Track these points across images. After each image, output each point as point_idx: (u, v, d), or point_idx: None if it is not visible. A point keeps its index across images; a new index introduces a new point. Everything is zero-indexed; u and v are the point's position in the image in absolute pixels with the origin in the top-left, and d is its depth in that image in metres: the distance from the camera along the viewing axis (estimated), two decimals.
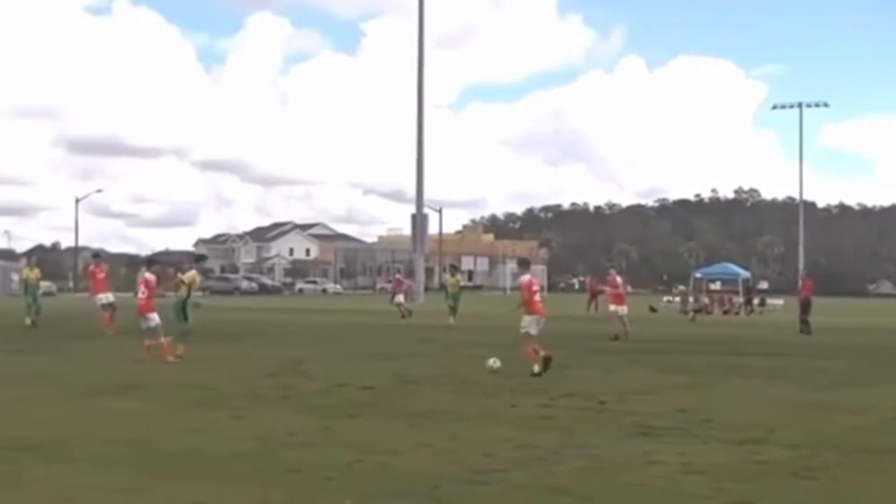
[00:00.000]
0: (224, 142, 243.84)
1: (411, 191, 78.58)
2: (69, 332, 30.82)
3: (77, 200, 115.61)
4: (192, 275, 23.65)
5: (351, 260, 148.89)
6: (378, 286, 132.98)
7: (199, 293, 23.56)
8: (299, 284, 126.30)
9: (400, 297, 48.68)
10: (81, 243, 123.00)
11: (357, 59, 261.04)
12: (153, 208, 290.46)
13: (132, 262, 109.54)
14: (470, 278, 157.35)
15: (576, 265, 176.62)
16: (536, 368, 19.66)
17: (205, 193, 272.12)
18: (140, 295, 23.18)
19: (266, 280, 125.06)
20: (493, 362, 20.40)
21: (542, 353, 19.84)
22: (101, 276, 33.60)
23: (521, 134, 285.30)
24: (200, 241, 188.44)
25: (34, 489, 9.14)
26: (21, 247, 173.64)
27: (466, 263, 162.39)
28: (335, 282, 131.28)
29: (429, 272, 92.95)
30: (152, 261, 26.08)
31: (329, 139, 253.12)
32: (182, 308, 23.05)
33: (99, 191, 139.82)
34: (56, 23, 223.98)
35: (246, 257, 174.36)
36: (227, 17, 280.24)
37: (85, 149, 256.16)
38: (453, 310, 40.45)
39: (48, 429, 12.63)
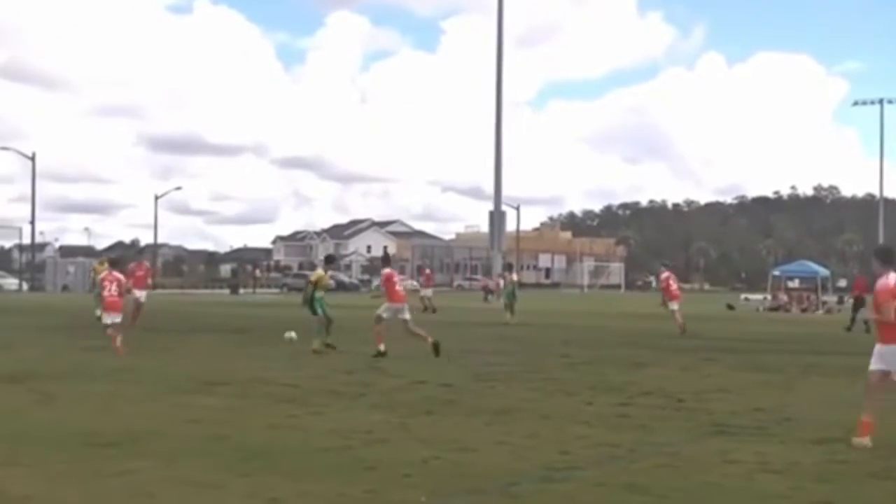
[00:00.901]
0: (303, 139, 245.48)
1: (489, 188, 78.45)
2: (149, 329, 31.11)
3: (157, 198, 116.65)
4: (318, 273, 25.31)
5: (428, 257, 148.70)
6: (455, 283, 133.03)
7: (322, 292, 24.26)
8: (376, 282, 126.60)
9: (428, 292, 49.54)
10: (160, 240, 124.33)
11: (436, 57, 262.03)
12: (232, 206, 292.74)
13: (211, 260, 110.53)
14: (547, 276, 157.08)
15: (653, 263, 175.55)
16: (382, 348, 22.67)
17: (283, 191, 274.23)
18: (111, 293, 23.59)
19: (343, 277, 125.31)
20: (290, 335, 25.41)
21: (430, 339, 23.12)
22: (141, 273, 34.16)
23: (599, 131, 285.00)
24: (279, 239, 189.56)
25: (115, 484, 9.28)
26: (101, 244, 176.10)
27: (544, 261, 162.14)
28: (413, 279, 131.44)
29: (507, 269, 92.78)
30: (116, 261, 27.17)
31: (408, 137, 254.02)
32: (311, 303, 24.39)
33: (178, 188, 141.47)
34: (138, 22, 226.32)
35: (323, 254, 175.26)
36: (306, 15, 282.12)
37: (165, 147, 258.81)
38: (509, 307, 40.46)
39: (130, 424, 12.79)
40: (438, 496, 9.01)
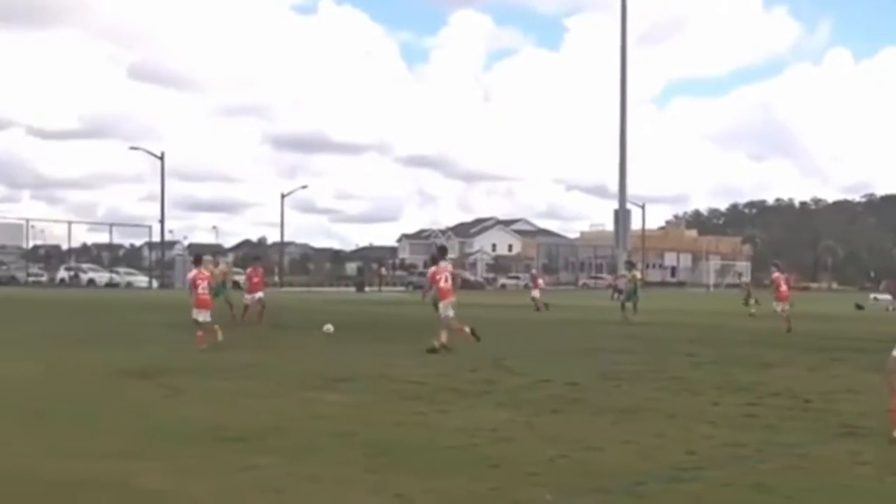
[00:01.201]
0: (427, 138, 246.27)
1: (614, 186, 78.02)
2: (276, 326, 31.47)
3: (283, 196, 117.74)
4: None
5: (553, 256, 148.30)
6: (580, 282, 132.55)
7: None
8: (501, 280, 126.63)
9: (535, 293, 49.86)
10: (287, 238, 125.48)
11: (559, 55, 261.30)
12: (357, 204, 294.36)
13: (336, 258, 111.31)
14: (673, 274, 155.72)
15: (780, 262, 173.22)
16: (438, 343, 23.02)
17: (408, 189, 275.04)
18: (200, 291, 24.71)
19: (468, 275, 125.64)
20: (328, 328, 26.59)
21: (466, 328, 24.04)
22: (257, 280, 34.95)
23: (725, 129, 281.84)
24: (403, 237, 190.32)
25: (244, 478, 9.39)
26: (229, 242, 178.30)
27: (669, 260, 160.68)
28: (539, 278, 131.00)
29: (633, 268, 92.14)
30: (199, 259, 27.49)
31: (532, 135, 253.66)
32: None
33: (304, 187, 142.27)
34: (264, 23, 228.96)
35: (449, 253, 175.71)
36: (430, 15, 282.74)
37: (291, 146, 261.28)
38: (632, 305, 40.27)
39: (257, 420, 12.94)
40: (564, 495, 8.98)
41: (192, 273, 26.05)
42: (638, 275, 43.54)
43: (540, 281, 54.49)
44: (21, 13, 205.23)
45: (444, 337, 23.41)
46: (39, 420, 12.85)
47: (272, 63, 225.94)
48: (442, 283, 24.31)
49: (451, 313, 23.96)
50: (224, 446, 11.00)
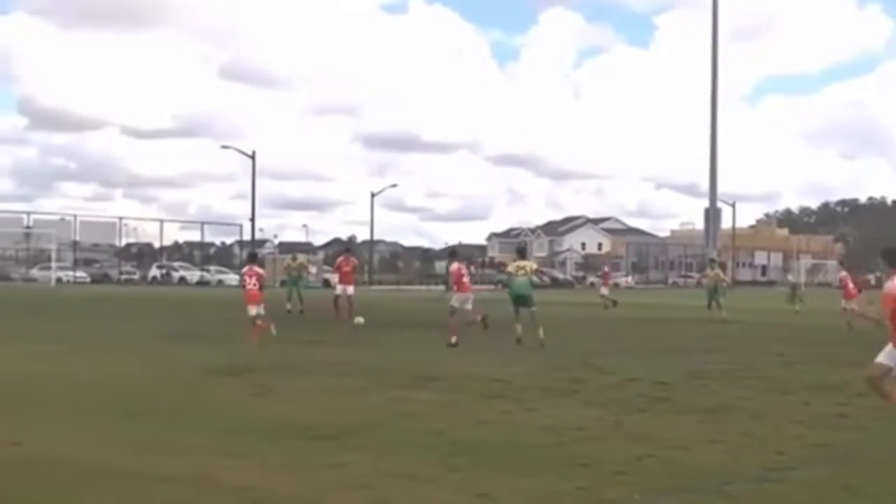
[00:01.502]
0: (517, 136, 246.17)
1: (704, 184, 77.20)
2: (365, 324, 31.60)
3: (373, 195, 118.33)
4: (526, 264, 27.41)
5: (643, 254, 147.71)
6: (670, 281, 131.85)
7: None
8: (591, 278, 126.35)
9: (604, 290, 50.21)
10: (376, 237, 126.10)
11: (650, 53, 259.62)
12: (447, 203, 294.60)
13: (426, 256, 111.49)
14: (763, 273, 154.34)
15: (873, 261, 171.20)
16: (454, 340, 24.12)
17: (498, 188, 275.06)
18: (251, 286, 25.64)
19: (558, 273, 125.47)
20: (359, 320, 28.08)
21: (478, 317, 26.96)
22: (347, 269, 35.34)
23: (816, 126, 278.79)
24: (493, 235, 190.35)
25: (332, 476, 9.43)
26: (319, 240, 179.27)
27: (760, 258, 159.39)
28: (627, 276, 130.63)
29: (721, 267, 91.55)
30: (254, 256, 29.29)
31: (622, 133, 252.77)
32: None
33: (394, 186, 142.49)
34: (354, 22, 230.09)
35: (538, 251, 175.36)
36: (521, 13, 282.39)
37: (381, 144, 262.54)
38: (716, 303, 40.18)
39: (345, 417, 13.00)
40: (651, 494, 8.94)
41: (245, 269, 27.40)
42: (720, 273, 43.33)
43: (609, 279, 54.53)
44: (117, 15, 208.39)
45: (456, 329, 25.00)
46: (130, 416, 12.98)
47: (363, 62, 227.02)
48: (464, 280, 27.05)
49: (468, 307, 26.39)
50: (312, 443, 11.07)
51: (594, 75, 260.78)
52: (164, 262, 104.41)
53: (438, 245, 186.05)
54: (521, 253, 29.16)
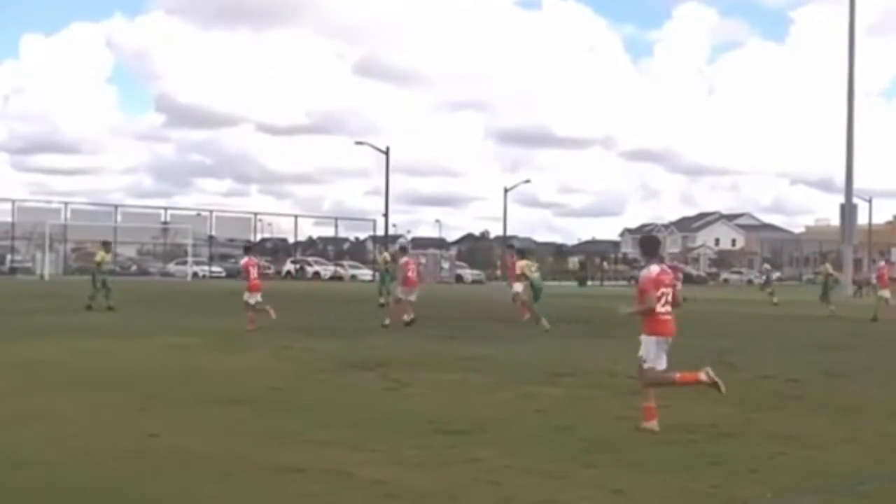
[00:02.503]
0: (650, 132, 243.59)
1: (840, 180, 76.19)
2: (500, 320, 31.72)
3: (506, 191, 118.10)
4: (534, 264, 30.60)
5: (777, 250, 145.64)
6: (804, 277, 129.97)
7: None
8: (724, 274, 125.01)
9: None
10: (509, 232, 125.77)
11: (785, 47, 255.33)
12: (580, 198, 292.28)
13: (559, 252, 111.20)
14: None
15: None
16: (407, 318, 29.25)
17: (631, 183, 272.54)
18: (253, 277, 28.25)
19: (691, 270, 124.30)
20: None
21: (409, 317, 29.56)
22: (411, 273, 36.08)
23: None
24: (626, 231, 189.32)
25: (464, 471, 9.52)
26: (452, 236, 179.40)
27: None
28: (760, 272, 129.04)
29: (857, 264, 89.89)
30: (248, 248, 33.17)
31: (756, 128, 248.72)
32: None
33: (527, 181, 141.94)
34: (488, 18, 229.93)
35: (671, 247, 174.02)
36: (654, 8, 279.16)
37: (514, 140, 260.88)
38: (825, 298, 40.21)
39: (477, 412, 13.07)
40: (784, 493, 8.89)
41: (245, 260, 30.16)
42: (829, 269, 43.12)
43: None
44: (252, 13, 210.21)
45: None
46: (264, 409, 13.21)
47: (496, 58, 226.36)
48: (410, 274, 31.14)
49: (412, 298, 30.58)
50: (444, 438, 11.16)
51: (729, 70, 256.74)
52: (299, 257, 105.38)
53: (572, 241, 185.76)
54: (522, 253, 32.79)
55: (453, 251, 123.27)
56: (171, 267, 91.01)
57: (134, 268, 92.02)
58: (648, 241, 13.53)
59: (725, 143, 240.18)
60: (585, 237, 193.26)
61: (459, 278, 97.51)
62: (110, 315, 31.73)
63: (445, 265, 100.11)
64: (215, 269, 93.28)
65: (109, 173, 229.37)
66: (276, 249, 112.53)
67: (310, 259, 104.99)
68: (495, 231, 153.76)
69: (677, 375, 12.60)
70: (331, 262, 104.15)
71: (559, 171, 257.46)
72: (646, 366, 12.38)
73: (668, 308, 12.40)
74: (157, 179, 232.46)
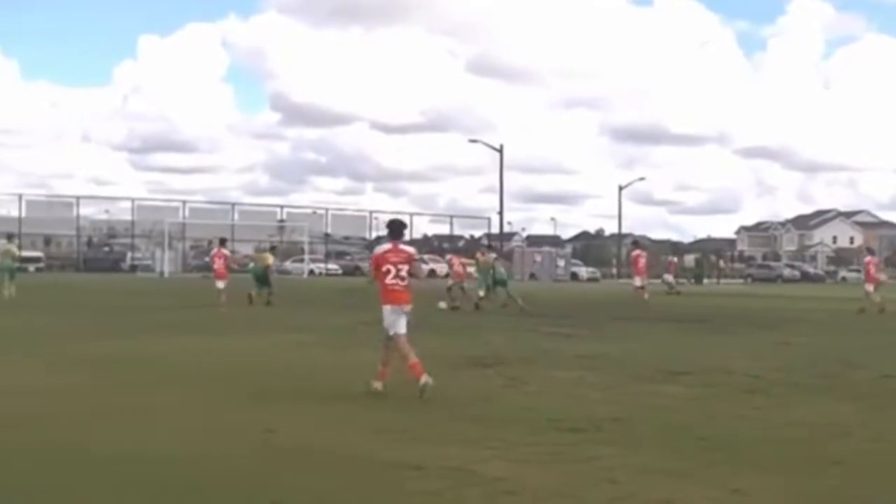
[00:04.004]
0: (766, 129, 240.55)
1: None
2: (614, 318, 31.63)
3: (620, 188, 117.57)
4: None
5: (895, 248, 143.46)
6: None
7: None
8: (842, 273, 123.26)
9: (669, 277, 50.78)
10: (624, 230, 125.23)
11: None
12: (695, 196, 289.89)
13: (675, 250, 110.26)
14: None
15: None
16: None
17: (746, 181, 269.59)
18: (218, 266, 35.42)
19: (808, 268, 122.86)
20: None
21: None
22: (458, 268, 38.79)
23: None
24: (742, 229, 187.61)
25: (582, 469, 9.47)
26: (567, 233, 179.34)
27: None
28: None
29: None
30: (223, 241, 39.31)
31: (874, 123, 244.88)
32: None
33: (642, 179, 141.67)
34: (601, 15, 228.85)
35: (788, 245, 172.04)
36: (768, 3, 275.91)
37: (629, 137, 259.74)
38: None
39: (594, 410, 12.98)
40: None
41: (214, 251, 37.54)
42: None
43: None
44: (365, 11, 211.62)
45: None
46: (381, 405, 13.30)
47: (610, 55, 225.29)
48: (457, 268, 35.95)
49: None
50: (562, 436, 11.12)
51: (845, 65, 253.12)
52: (446, 258, 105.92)
53: (687, 238, 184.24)
54: (490, 248, 36.42)
55: (568, 249, 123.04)
56: (288, 265, 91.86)
57: (251, 265, 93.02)
58: (392, 223, 15.30)
59: (842, 138, 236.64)
60: (701, 235, 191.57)
61: (574, 276, 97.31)
62: (233, 311, 32.09)
63: (561, 263, 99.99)
64: (331, 266, 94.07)
65: (226, 172, 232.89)
66: None
67: (425, 256, 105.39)
68: (610, 229, 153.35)
69: (413, 359, 14.10)
70: (445, 259, 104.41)
71: (674, 169, 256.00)
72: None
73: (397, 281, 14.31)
74: (273, 178, 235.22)
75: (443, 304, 35.29)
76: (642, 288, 41.13)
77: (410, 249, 15.00)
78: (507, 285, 38.06)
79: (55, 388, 14.56)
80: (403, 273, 14.33)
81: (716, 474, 9.31)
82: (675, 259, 61.40)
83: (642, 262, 41.60)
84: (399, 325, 14.25)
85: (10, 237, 42.85)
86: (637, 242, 45.52)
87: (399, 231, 15.15)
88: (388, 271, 14.25)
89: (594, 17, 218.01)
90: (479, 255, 39.25)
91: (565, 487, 8.78)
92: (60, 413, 12.39)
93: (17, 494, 8.44)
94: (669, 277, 52.28)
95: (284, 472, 9.20)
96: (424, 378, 13.65)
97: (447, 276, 42.86)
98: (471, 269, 37.30)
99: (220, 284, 34.37)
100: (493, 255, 40.05)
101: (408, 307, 14.40)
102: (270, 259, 42.21)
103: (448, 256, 34.18)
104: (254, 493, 8.50)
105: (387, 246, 14.65)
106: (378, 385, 14.19)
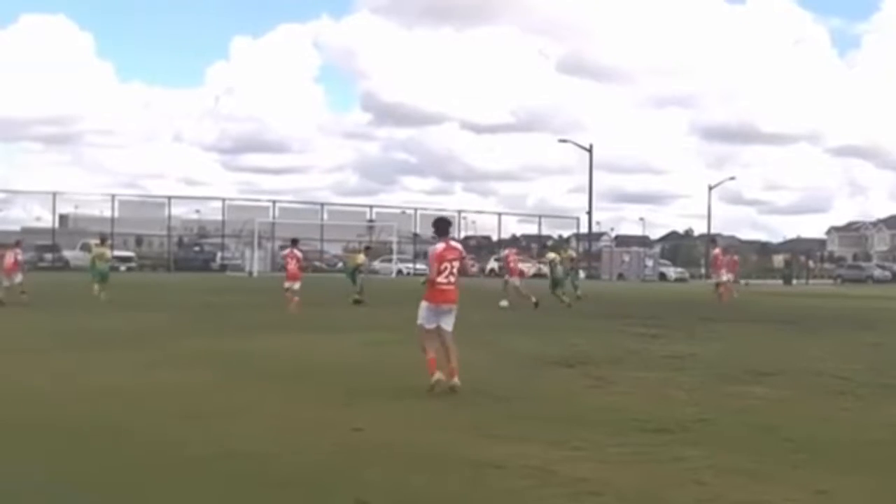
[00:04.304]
0: (858, 127, 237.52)
1: None
2: (702, 318, 31.49)
3: (710, 188, 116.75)
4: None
5: None
6: None
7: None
8: None
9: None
10: (713, 230, 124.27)
11: None
12: (785, 195, 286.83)
13: (764, 250, 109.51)
14: None
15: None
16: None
17: (838, 180, 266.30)
18: (289, 266, 34.58)
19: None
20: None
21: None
22: (512, 264, 38.53)
23: None
24: (832, 229, 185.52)
25: (668, 470, 9.45)
26: (655, 234, 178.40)
27: None
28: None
29: None
30: (296, 241, 38.06)
31: None
32: None
33: (732, 178, 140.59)
34: (691, 13, 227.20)
35: (879, 245, 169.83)
36: (861, 0, 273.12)
37: (718, 137, 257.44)
38: None
39: (681, 411, 12.94)
40: None
41: (286, 252, 36.93)
42: None
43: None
44: (456, 11, 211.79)
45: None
46: (465, 404, 13.31)
47: (700, 53, 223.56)
48: (512, 265, 36.18)
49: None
50: (648, 437, 11.10)
51: None
52: (502, 254, 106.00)
53: (777, 239, 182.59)
54: (546, 248, 35.70)
55: (657, 249, 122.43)
56: (377, 264, 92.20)
57: (340, 265, 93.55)
58: (439, 221, 15.77)
59: None
60: (790, 235, 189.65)
61: (663, 276, 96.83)
62: (319, 310, 32.27)
63: (649, 263, 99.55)
64: (420, 266, 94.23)
65: (316, 171, 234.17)
66: (480, 247, 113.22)
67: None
68: (699, 229, 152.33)
69: (431, 354, 14.55)
70: (534, 259, 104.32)
71: (764, 168, 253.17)
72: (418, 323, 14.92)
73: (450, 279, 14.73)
74: (363, 177, 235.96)
75: (504, 303, 35.39)
76: (722, 285, 41.34)
77: (460, 247, 15.41)
78: (562, 285, 38.76)
79: (153, 386, 14.77)
80: (455, 271, 14.76)
81: (802, 476, 9.23)
82: (737, 257, 60.41)
83: (722, 260, 41.71)
84: (446, 321, 14.71)
85: (102, 240, 43.41)
86: (715, 241, 45.58)
87: (447, 229, 15.58)
88: (444, 269, 14.64)
89: (686, 15, 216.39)
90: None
91: (650, 488, 8.77)
92: (153, 411, 12.57)
93: (112, 491, 8.58)
94: (729, 276, 51.42)
95: (369, 470, 9.25)
96: (437, 375, 14.26)
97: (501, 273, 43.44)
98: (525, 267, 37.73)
99: (294, 286, 33.79)
100: (552, 255, 40.23)
101: (455, 306, 14.83)
102: (361, 258, 41.80)
103: (504, 252, 34.59)
104: (337, 490, 8.57)
105: (441, 245, 14.94)
106: (438, 375, 14.33)
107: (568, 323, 28.82)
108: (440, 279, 14.58)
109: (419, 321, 14.75)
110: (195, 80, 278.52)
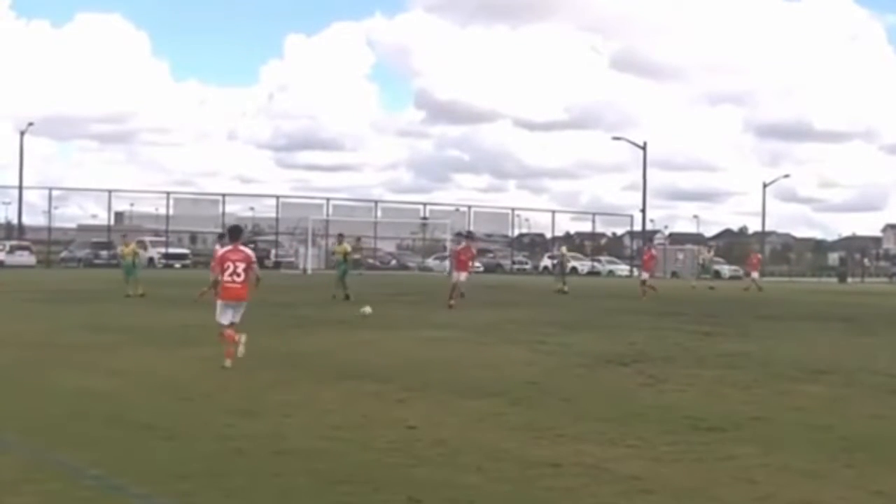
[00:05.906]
0: None
1: None
2: (756, 316, 31.38)
3: (764, 185, 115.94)
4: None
5: None
6: None
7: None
8: None
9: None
10: (768, 228, 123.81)
11: None
12: (840, 193, 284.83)
13: (818, 248, 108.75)
14: None
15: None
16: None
17: (893, 178, 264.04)
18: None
19: None
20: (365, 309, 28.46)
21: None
22: (755, 261, 37.48)
23: None
24: (888, 227, 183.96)
25: (720, 468, 9.46)
26: (709, 231, 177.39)
27: None
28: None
29: None
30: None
31: None
32: None
33: (786, 176, 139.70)
34: (746, 9, 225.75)
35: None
36: None
37: (773, 134, 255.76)
38: None
39: (734, 409, 12.93)
40: None
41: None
42: None
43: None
44: (510, 9, 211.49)
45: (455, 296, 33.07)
46: (520, 402, 13.32)
47: (755, 50, 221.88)
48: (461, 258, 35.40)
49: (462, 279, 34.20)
50: (701, 435, 11.10)
51: None
52: (555, 252, 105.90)
53: (831, 236, 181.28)
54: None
55: (712, 248, 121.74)
56: (430, 262, 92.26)
57: (394, 262, 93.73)
58: (232, 228, 18.52)
59: None
60: (845, 233, 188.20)
61: (717, 274, 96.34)
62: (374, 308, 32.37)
63: (680, 257, 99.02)
64: (474, 264, 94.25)
65: (369, 169, 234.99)
66: (534, 244, 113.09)
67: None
68: (754, 226, 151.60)
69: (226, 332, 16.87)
70: (588, 257, 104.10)
71: (819, 165, 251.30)
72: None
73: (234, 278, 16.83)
74: (416, 175, 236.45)
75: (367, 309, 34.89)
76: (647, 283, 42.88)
77: (247, 251, 17.49)
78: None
79: (210, 382, 14.92)
80: (240, 271, 16.84)
81: (856, 475, 9.21)
82: (760, 255, 60.28)
83: (757, 258, 42.07)
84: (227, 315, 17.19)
85: (139, 241, 43.62)
86: (651, 240, 47.28)
87: (237, 236, 17.75)
88: (228, 268, 16.83)
89: (740, 12, 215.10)
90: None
91: (703, 486, 8.78)
92: (212, 407, 12.71)
93: (169, 486, 8.69)
94: (755, 275, 51.49)
95: (422, 468, 9.32)
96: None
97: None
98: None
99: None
100: (564, 250, 41.06)
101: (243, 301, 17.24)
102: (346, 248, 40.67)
103: (562, 248, 35.89)
104: (391, 487, 8.61)
105: (229, 247, 17.33)
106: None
107: (625, 321, 28.77)
108: (226, 277, 16.85)
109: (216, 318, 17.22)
110: (250, 79, 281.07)
